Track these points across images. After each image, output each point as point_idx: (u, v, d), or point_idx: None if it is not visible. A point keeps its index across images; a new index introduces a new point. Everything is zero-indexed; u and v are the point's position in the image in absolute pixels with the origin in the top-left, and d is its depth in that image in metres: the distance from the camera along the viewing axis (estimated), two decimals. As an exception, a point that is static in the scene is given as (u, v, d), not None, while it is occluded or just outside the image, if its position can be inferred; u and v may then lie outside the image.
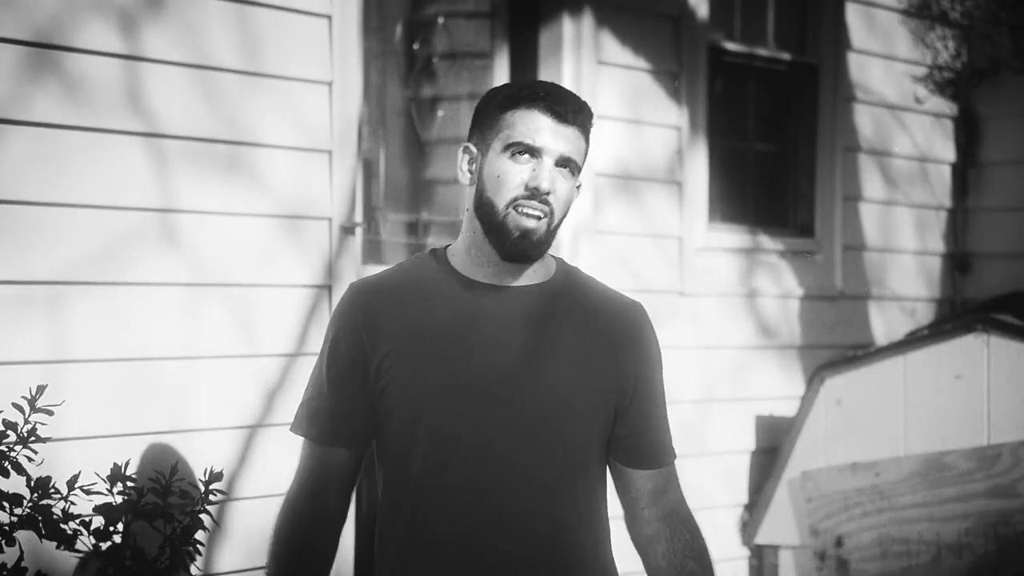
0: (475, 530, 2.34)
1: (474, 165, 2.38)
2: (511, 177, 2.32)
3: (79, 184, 3.69)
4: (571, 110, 2.33)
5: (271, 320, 4.11)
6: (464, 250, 2.40)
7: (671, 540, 2.45)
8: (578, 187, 2.40)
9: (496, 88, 2.42)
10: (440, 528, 2.35)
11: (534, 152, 2.32)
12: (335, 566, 4.21)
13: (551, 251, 2.44)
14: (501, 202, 2.32)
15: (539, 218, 2.32)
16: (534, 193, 2.31)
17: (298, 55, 4.18)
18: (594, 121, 2.40)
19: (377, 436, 2.42)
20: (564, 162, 2.33)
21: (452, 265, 2.41)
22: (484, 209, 2.34)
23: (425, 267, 2.43)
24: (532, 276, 2.41)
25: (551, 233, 2.36)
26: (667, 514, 2.46)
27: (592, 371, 2.39)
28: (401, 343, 2.36)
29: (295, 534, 2.45)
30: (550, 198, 2.32)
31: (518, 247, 2.33)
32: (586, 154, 2.38)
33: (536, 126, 2.32)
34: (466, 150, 2.40)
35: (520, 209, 2.32)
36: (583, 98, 2.40)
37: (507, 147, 2.32)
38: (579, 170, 2.37)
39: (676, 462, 2.52)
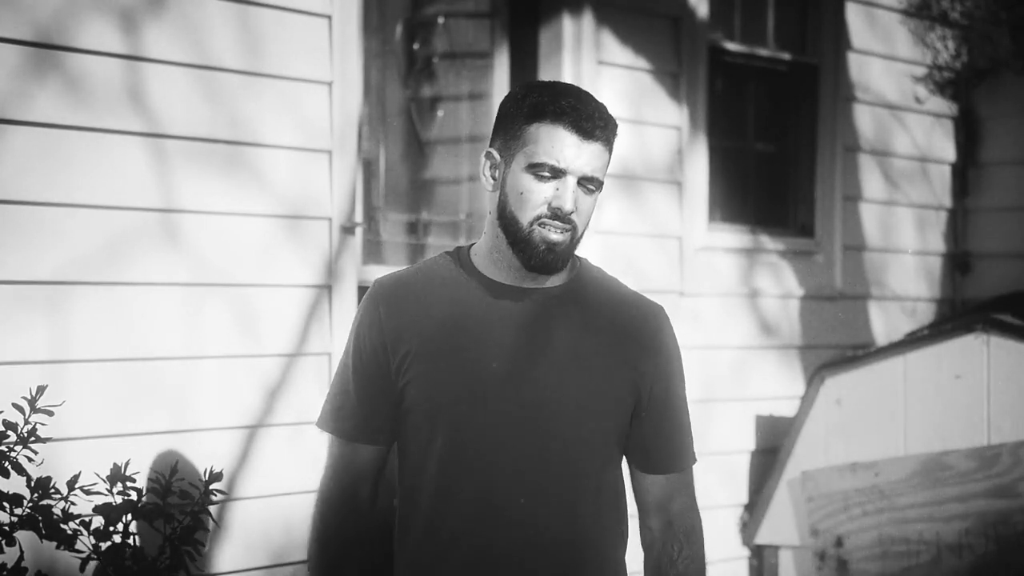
0: (489, 529, 2.35)
1: (497, 172, 2.39)
2: (534, 196, 2.32)
3: (80, 184, 3.69)
4: (597, 126, 2.32)
5: (271, 320, 4.11)
6: (486, 252, 2.41)
7: (661, 551, 2.46)
8: (600, 186, 2.40)
9: (520, 90, 2.39)
10: (455, 526, 2.36)
11: (558, 172, 2.31)
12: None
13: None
14: (525, 219, 2.33)
15: (563, 232, 2.33)
16: (556, 213, 2.32)
17: (298, 55, 4.18)
18: (617, 131, 2.39)
19: (398, 432, 2.44)
20: (587, 180, 2.33)
21: (475, 265, 2.42)
22: (507, 222, 2.35)
23: (448, 266, 2.44)
24: (554, 279, 2.41)
25: (574, 245, 2.37)
26: (666, 524, 2.47)
27: (609, 374, 2.40)
28: (422, 343, 2.37)
29: (335, 532, 2.44)
30: (573, 216, 2.33)
31: (544, 260, 2.34)
32: (608, 164, 2.37)
33: (560, 144, 2.31)
34: (489, 155, 2.40)
35: (545, 226, 2.33)
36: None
37: (531, 165, 2.32)
38: (601, 184, 2.37)
39: None
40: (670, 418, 2.47)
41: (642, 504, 2.48)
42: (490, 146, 2.41)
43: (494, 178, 2.39)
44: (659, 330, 2.47)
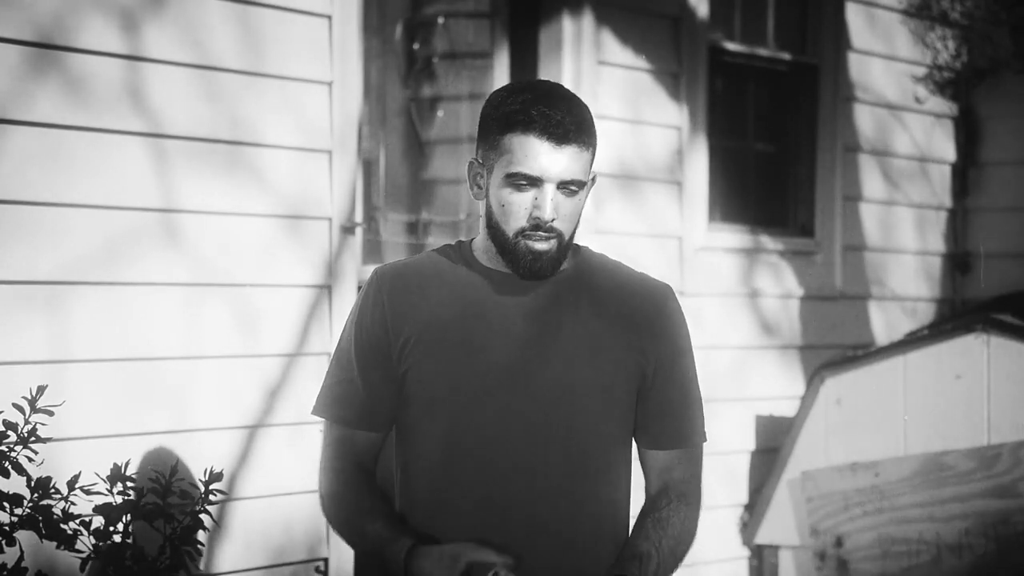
0: (490, 520, 2.35)
1: (482, 180, 2.40)
2: (515, 208, 2.34)
3: (80, 184, 3.69)
4: (570, 129, 2.32)
5: (272, 320, 4.11)
6: (483, 248, 2.44)
7: (651, 505, 2.44)
8: (592, 179, 2.41)
9: (496, 97, 2.39)
10: (456, 518, 2.36)
11: (535, 181, 2.32)
12: (336, 564, 4.23)
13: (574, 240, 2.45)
14: (509, 231, 2.35)
15: (547, 240, 2.35)
16: (537, 224, 2.33)
17: (299, 55, 4.18)
18: (596, 124, 2.39)
19: (397, 419, 2.44)
20: (566, 184, 2.34)
21: (475, 256, 2.44)
22: (494, 231, 2.38)
23: (448, 256, 2.46)
24: None
25: (564, 248, 2.38)
26: (663, 486, 2.46)
27: (613, 358, 2.40)
28: (423, 329, 2.39)
29: (351, 474, 2.43)
30: (555, 224, 2.34)
31: (531, 269, 2.36)
32: (592, 160, 2.38)
33: (534, 153, 2.31)
34: (471, 166, 2.42)
35: (529, 237, 2.34)
36: (583, 98, 2.40)
37: (508, 176, 2.33)
38: (584, 184, 2.37)
39: None
40: (674, 396, 2.46)
41: (645, 474, 2.49)
42: (474, 155, 2.42)
43: (479, 186, 2.41)
44: (662, 307, 2.47)
